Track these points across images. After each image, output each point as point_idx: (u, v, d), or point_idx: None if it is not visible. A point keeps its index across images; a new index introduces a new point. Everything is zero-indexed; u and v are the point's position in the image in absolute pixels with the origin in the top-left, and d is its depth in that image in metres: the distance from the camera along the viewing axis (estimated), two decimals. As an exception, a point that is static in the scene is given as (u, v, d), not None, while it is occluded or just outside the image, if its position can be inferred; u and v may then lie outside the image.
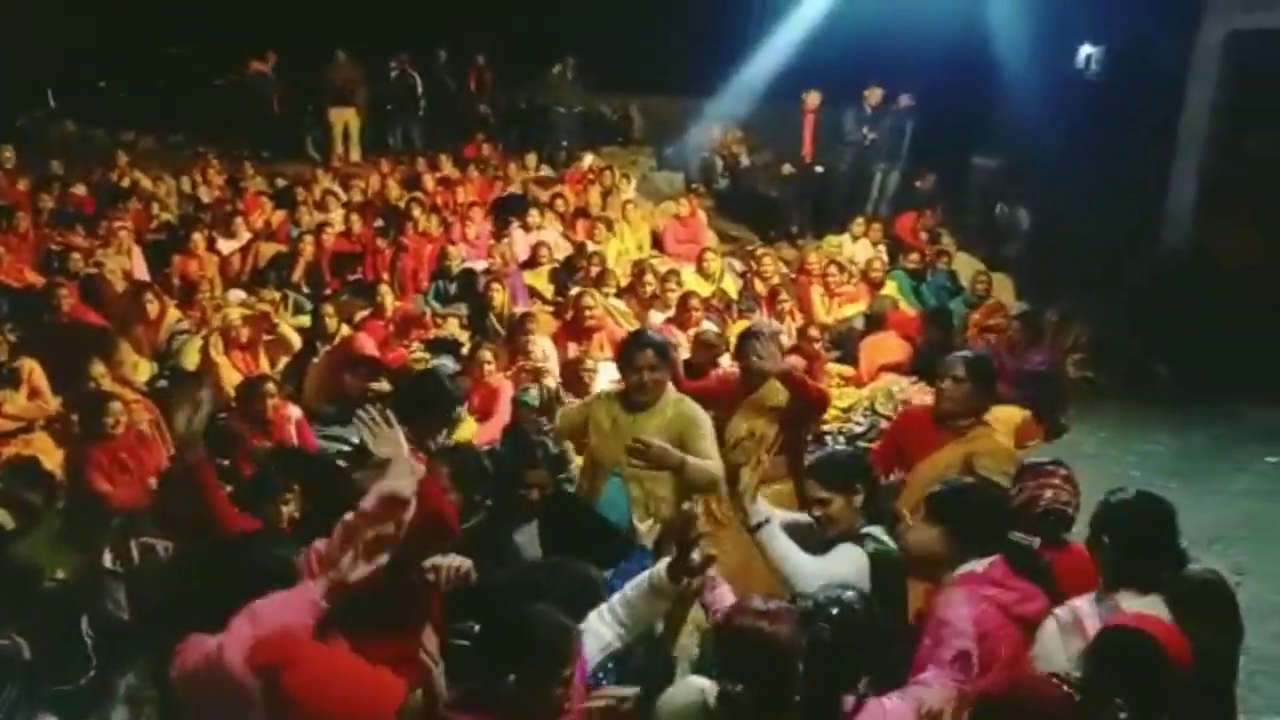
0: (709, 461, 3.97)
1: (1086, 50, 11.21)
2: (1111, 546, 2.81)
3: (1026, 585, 2.84)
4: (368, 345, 6.65)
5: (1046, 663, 2.61)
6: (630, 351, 4.13)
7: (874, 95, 11.17)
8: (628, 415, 4.09)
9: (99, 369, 5.88)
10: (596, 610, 2.70)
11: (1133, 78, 10.05)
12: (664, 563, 2.74)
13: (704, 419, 4.09)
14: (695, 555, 2.65)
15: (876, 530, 3.18)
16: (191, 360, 6.49)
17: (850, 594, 2.51)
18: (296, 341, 6.77)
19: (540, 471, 4.00)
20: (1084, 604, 2.74)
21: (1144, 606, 2.65)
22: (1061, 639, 2.65)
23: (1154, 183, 10.00)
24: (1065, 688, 2.36)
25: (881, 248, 10.01)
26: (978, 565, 2.83)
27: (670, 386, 4.15)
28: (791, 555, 3.02)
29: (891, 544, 3.13)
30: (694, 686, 2.41)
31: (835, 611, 2.42)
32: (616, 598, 2.73)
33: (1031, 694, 2.35)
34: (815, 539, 3.20)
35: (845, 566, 3.00)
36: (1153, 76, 9.96)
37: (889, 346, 7.46)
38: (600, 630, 2.65)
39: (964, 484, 3.20)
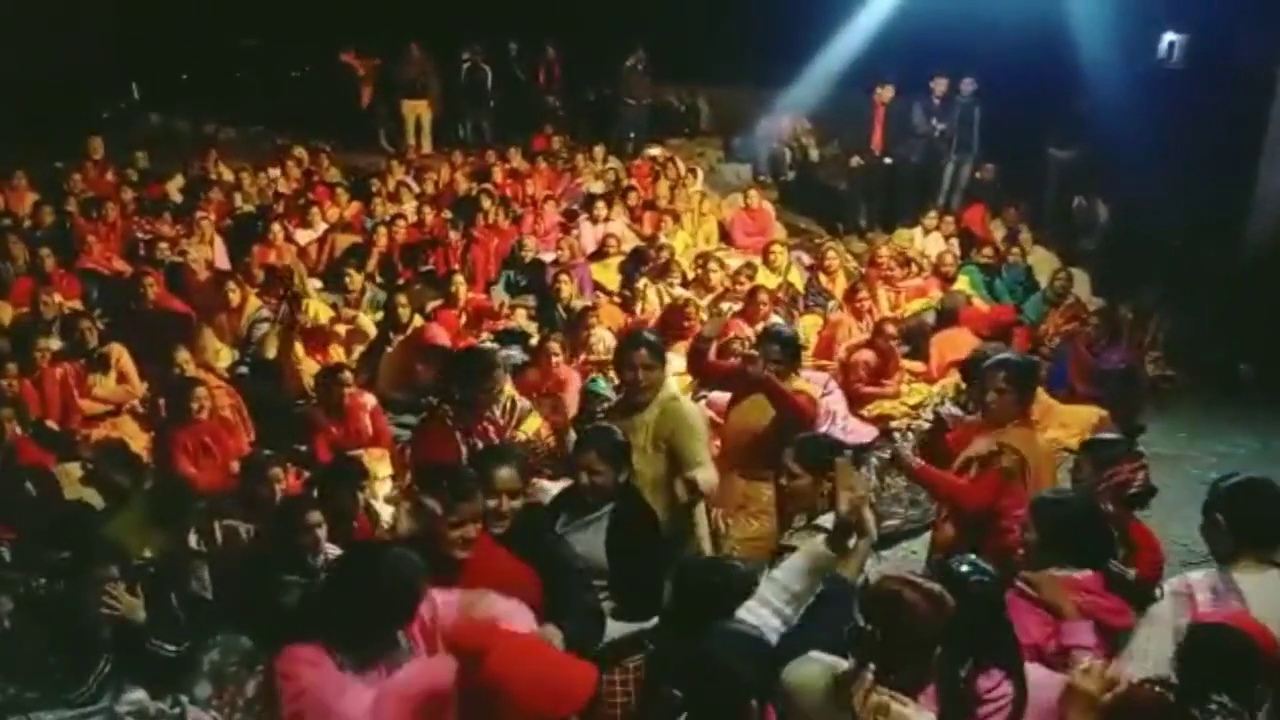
0: (698, 470, 3.92)
1: (1169, 38, 10.87)
2: (1227, 525, 2.98)
3: (1120, 601, 3.01)
4: (440, 335, 6.76)
5: (1158, 633, 2.86)
6: (625, 350, 4.13)
7: (940, 85, 10.99)
8: (624, 418, 4.04)
9: (183, 355, 6.08)
10: (747, 607, 2.65)
11: (1218, 68, 9.73)
12: (818, 541, 2.79)
13: (695, 419, 4.06)
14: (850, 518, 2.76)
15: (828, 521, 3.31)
16: (272, 350, 6.63)
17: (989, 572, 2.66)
18: (373, 333, 6.92)
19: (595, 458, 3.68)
20: (1198, 576, 2.98)
21: (1260, 582, 2.86)
22: (1173, 607, 2.89)
23: (1240, 175, 9.68)
24: (1158, 689, 2.39)
25: (954, 241, 9.84)
26: (1075, 573, 3.01)
27: (667, 384, 4.13)
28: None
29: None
30: (819, 660, 2.41)
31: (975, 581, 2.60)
32: (768, 588, 2.68)
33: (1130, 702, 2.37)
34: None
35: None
36: (1239, 67, 9.63)
37: (960, 342, 7.32)
38: (768, 622, 2.61)
39: (1065, 495, 3.40)
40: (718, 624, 2.50)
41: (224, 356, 6.87)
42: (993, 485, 3.81)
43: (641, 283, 8.08)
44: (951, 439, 4.29)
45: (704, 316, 7.07)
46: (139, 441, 5.89)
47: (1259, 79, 9.59)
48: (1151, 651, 2.88)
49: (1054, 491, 3.40)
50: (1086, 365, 6.98)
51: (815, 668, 2.37)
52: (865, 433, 6.31)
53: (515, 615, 2.81)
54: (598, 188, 11.08)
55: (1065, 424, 6.36)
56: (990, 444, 3.87)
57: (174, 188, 10.19)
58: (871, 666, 2.27)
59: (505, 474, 3.37)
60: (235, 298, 7.26)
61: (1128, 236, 10.03)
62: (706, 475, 3.96)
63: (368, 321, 7.01)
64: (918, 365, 7.39)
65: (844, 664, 2.33)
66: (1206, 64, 10.09)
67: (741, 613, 2.60)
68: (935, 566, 2.84)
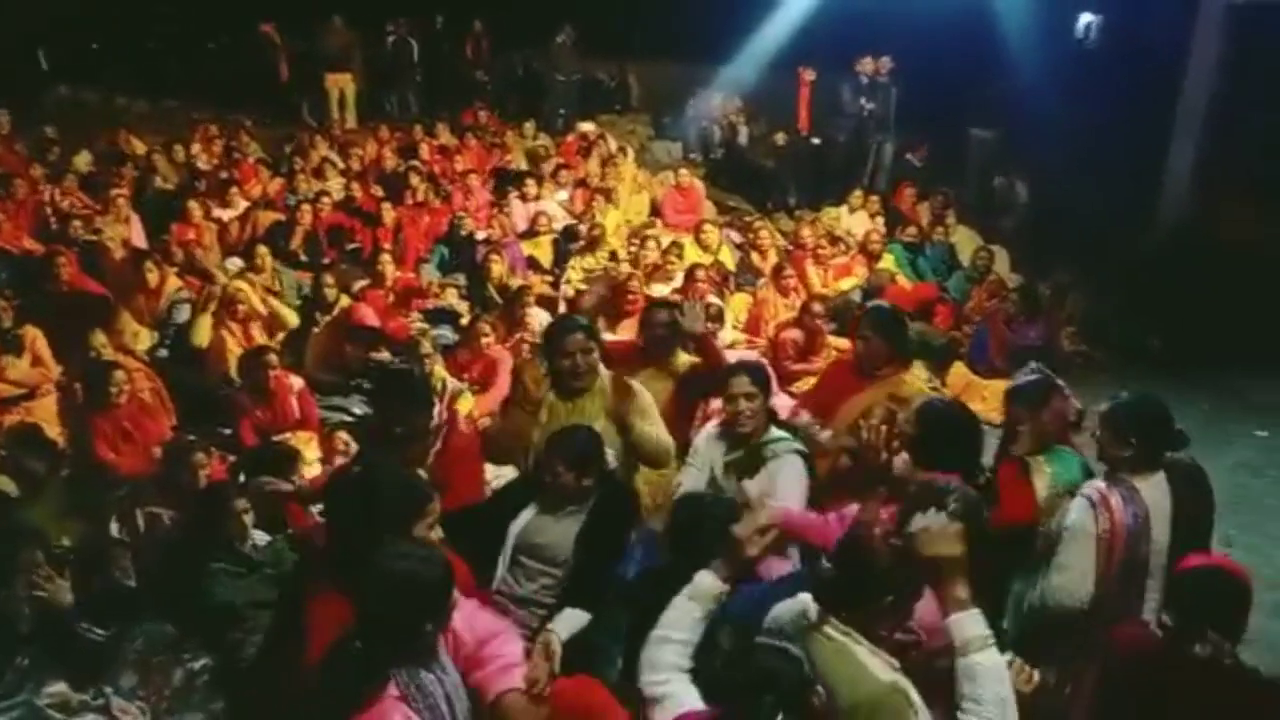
0: (661, 439, 3.92)
1: (1086, 19, 11.17)
2: (1129, 438, 3.30)
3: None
4: (368, 315, 6.67)
5: (1081, 544, 3.19)
6: (560, 335, 3.96)
7: (866, 65, 11.15)
8: (565, 402, 3.90)
9: (100, 338, 5.90)
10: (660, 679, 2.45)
11: (1132, 48, 10.02)
12: (702, 579, 2.57)
13: (644, 392, 3.98)
14: None
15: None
16: (203, 338, 6.41)
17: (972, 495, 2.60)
18: (291, 319, 6.77)
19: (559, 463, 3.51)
20: (1103, 485, 3.28)
21: (1152, 483, 3.26)
22: (1093, 517, 3.21)
23: (1152, 155, 10.00)
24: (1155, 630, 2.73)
25: (879, 220, 10.01)
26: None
27: (601, 366, 4.00)
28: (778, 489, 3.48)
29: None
30: (800, 600, 2.44)
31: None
32: (670, 652, 2.47)
33: (1132, 642, 2.69)
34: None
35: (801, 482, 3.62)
36: (1152, 47, 9.92)
37: (885, 320, 7.48)
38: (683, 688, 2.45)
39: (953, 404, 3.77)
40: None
41: (143, 339, 6.68)
42: None
43: (571, 262, 8.08)
44: (828, 389, 4.38)
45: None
46: (54, 426, 5.72)
47: (1170, 61, 9.89)
48: (1074, 563, 3.19)
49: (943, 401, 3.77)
50: (1005, 341, 7.17)
51: (793, 605, 2.42)
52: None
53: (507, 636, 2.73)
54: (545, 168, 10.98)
55: (985, 398, 6.54)
56: (883, 395, 4.06)
57: (83, 163, 9.83)
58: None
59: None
60: (154, 278, 7.05)
61: (1045, 215, 10.30)
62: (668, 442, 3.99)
63: (288, 312, 6.84)
64: (844, 343, 7.50)
65: (808, 601, 2.39)
66: (1121, 45, 10.39)
67: (658, 689, 2.39)
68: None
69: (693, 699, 2.31)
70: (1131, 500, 3.23)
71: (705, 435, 4.04)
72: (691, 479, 3.92)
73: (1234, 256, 8.81)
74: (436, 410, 4.03)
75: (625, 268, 8.05)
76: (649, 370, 4.40)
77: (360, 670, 2.26)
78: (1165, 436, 3.36)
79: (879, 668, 2.24)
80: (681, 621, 2.45)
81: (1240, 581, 2.77)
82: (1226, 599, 2.74)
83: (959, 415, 3.46)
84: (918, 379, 4.47)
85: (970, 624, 2.24)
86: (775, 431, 3.86)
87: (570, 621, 3.14)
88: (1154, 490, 3.27)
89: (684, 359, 4.49)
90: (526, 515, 3.47)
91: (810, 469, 3.80)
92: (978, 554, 2.36)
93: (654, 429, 3.93)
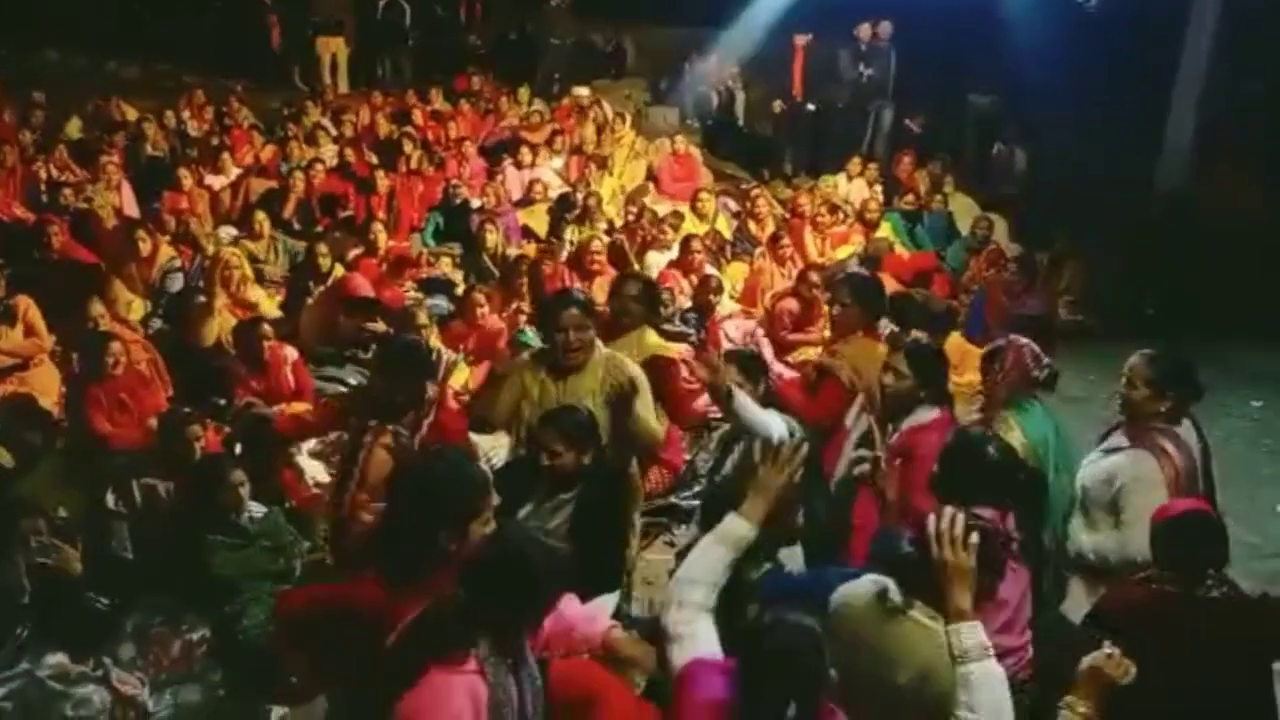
0: (654, 424, 3.82)
1: (1087, -18, 11.04)
2: (1166, 391, 3.52)
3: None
4: (363, 285, 6.61)
5: (1150, 482, 3.37)
6: (555, 310, 3.85)
7: (864, 31, 11.04)
8: (556, 382, 3.79)
9: (98, 308, 5.84)
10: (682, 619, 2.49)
11: (1132, 14, 9.91)
12: (730, 522, 2.60)
13: (640, 375, 3.81)
14: None
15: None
16: (210, 337, 6.14)
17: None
18: (270, 308, 6.67)
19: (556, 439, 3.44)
20: (1153, 434, 3.48)
21: (1186, 429, 3.56)
22: (1159, 466, 3.40)
23: (1151, 122, 9.94)
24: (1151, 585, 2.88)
25: (878, 188, 9.95)
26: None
27: (599, 343, 3.88)
28: (759, 411, 3.48)
29: None
30: (877, 582, 2.44)
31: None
32: (693, 591, 2.51)
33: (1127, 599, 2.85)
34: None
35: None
36: (1152, 13, 9.82)
37: (882, 289, 7.46)
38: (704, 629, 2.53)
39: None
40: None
41: (135, 308, 6.64)
42: (830, 395, 4.13)
43: (566, 231, 8.04)
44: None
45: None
46: (51, 396, 5.70)
47: (1170, 28, 9.80)
48: (1147, 514, 3.10)
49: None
50: (1003, 311, 7.14)
51: (865, 584, 2.43)
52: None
53: (597, 615, 2.74)
54: (537, 137, 10.87)
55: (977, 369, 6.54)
56: (825, 354, 4.26)
57: (73, 129, 9.72)
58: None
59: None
60: (146, 247, 6.98)
61: (1044, 183, 10.24)
62: (658, 429, 3.94)
63: (268, 302, 6.76)
64: (842, 312, 7.50)
65: (890, 583, 2.39)
66: (1121, 11, 10.27)
67: (683, 627, 2.40)
68: None
69: (712, 643, 2.34)
70: (1180, 446, 3.47)
71: None
72: None
73: (1230, 225, 8.80)
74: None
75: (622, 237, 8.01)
76: (614, 345, 4.23)
77: (444, 641, 2.23)
78: (1196, 389, 3.63)
79: None
80: (709, 564, 2.48)
81: (1218, 520, 3.01)
82: (1220, 539, 2.92)
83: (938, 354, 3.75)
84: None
85: (969, 634, 2.26)
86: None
87: (605, 608, 3.06)
88: (1189, 435, 3.57)
89: (653, 339, 4.31)
90: (528, 508, 3.40)
91: None
92: None
93: (648, 414, 3.82)
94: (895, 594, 2.35)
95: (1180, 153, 9.82)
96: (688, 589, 2.44)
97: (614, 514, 3.54)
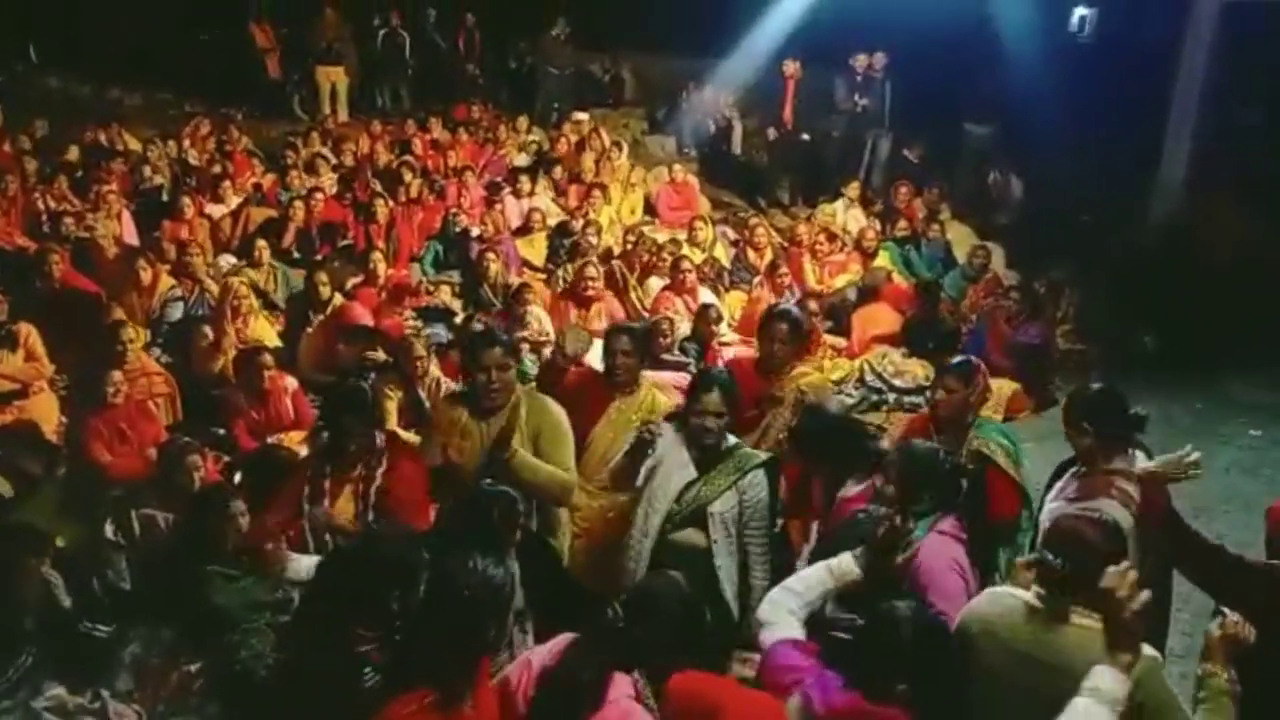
0: (561, 473, 3.71)
1: (1081, 12, 11.15)
2: (1083, 424, 3.44)
3: None
4: (361, 314, 6.64)
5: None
6: (477, 349, 3.74)
7: (861, 61, 11.13)
8: (478, 422, 3.74)
9: (130, 333, 5.84)
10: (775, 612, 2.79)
11: (1127, 43, 10.02)
12: (845, 559, 2.86)
13: (562, 421, 3.78)
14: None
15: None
16: (216, 369, 6.23)
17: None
18: (270, 338, 6.67)
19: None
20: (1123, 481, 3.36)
21: (1140, 460, 3.39)
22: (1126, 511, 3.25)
23: (1147, 150, 10.01)
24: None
25: (874, 218, 10.00)
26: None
27: (517, 383, 3.83)
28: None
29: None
30: (1008, 593, 2.65)
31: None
32: (786, 598, 2.82)
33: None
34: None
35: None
36: (1147, 42, 9.93)
37: (881, 318, 7.50)
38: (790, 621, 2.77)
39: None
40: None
41: (137, 338, 6.64)
42: None
43: (560, 267, 8.06)
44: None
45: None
46: (51, 425, 5.70)
47: (1165, 55, 9.89)
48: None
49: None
50: (1004, 339, 7.18)
51: (1010, 600, 2.58)
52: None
53: None
54: (521, 161, 10.97)
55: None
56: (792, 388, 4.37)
57: (74, 158, 9.76)
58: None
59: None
60: (146, 276, 7.00)
61: (1040, 211, 10.30)
62: (571, 478, 3.80)
63: (269, 331, 6.78)
64: (840, 341, 7.53)
65: (1026, 595, 2.56)
66: (1115, 39, 10.38)
67: (772, 616, 2.74)
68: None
69: (795, 631, 2.68)
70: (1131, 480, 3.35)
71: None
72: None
73: (1226, 254, 8.84)
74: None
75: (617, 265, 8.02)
76: (619, 401, 4.27)
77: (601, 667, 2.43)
78: (1119, 420, 3.47)
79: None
80: (812, 584, 2.80)
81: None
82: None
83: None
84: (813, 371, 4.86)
85: (1112, 679, 2.23)
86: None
87: None
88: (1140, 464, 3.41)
89: (662, 401, 4.29)
90: None
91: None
92: None
93: (569, 458, 3.76)
94: (1035, 601, 2.50)
95: (1176, 178, 9.90)
96: (782, 593, 2.80)
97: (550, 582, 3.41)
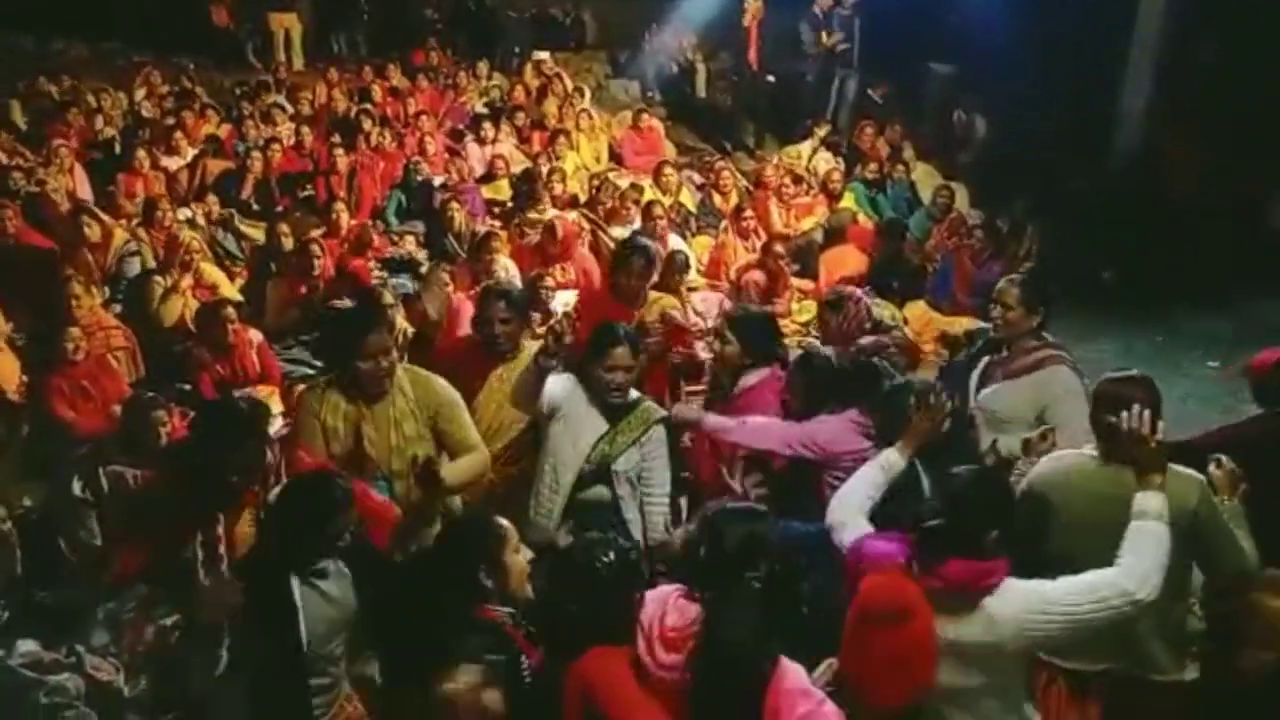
0: (473, 454, 3.55)
1: (1044, -51, 11.08)
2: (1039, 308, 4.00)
3: None
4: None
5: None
6: (358, 332, 3.42)
7: (828, 1, 11.02)
8: (359, 408, 3.44)
9: (77, 287, 5.73)
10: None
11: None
12: (889, 453, 3.18)
13: (456, 396, 3.58)
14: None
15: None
16: (172, 317, 6.17)
17: None
18: (226, 286, 6.59)
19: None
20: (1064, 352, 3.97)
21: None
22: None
23: (1107, 87, 10.04)
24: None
25: (840, 159, 9.98)
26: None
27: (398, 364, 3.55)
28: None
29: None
30: (1060, 454, 3.15)
31: None
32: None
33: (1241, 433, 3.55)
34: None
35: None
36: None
37: (848, 260, 7.53)
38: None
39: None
40: None
41: (93, 293, 6.52)
42: None
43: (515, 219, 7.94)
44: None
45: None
46: (12, 384, 5.61)
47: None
48: (1073, 416, 3.53)
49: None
50: (969, 277, 7.25)
51: (1070, 458, 3.09)
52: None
53: None
54: (482, 107, 10.80)
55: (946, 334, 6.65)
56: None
57: (15, 112, 9.48)
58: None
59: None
60: (94, 232, 6.78)
61: (1004, 150, 10.33)
62: (482, 457, 3.61)
63: (223, 278, 6.67)
64: (807, 283, 7.56)
65: (1085, 450, 3.05)
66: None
67: (845, 516, 2.99)
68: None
69: (866, 528, 2.91)
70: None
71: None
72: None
73: (1185, 190, 8.94)
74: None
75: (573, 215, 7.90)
76: (500, 369, 4.02)
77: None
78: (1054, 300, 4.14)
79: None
80: (870, 482, 3.09)
81: None
82: None
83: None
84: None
85: (1154, 498, 2.66)
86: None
87: None
88: None
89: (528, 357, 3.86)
90: None
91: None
92: None
93: (471, 433, 3.57)
94: (1108, 452, 2.95)
95: (1135, 116, 9.94)
96: (848, 493, 3.08)
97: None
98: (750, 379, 3.99)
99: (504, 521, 2.75)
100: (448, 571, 2.66)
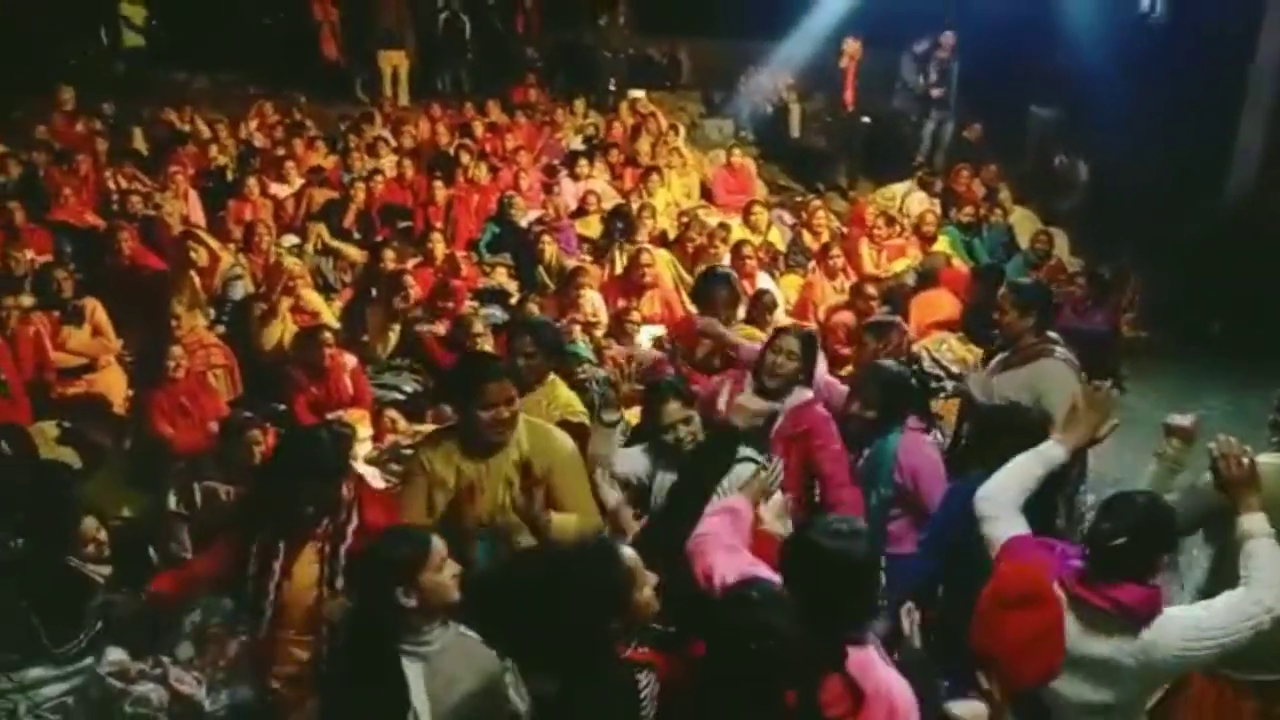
0: (590, 520, 3.28)
1: (1152, -8, 10.83)
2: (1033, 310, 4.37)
3: None
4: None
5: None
6: (480, 380, 3.20)
7: (927, 43, 10.92)
8: (475, 462, 3.24)
9: (179, 307, 5.98)
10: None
11: (1200, 24, 9.69)
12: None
13: (575, 454, 3.35)
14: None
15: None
16: (272, 338, 6.32)
17: None
18: (326, 312, 6.76)
19: None
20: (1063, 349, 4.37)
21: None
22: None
23: (1220, 134, 9.69)
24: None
25: (936, 201, 9.82)
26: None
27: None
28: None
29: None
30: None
31: None
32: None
33: None
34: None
35: None
36: (1221, 23, 9.59)
37: (940, 304, 7.36)
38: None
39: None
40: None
41: (195, 314, 6.78)
42: None
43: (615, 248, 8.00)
44: None
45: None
46: (118, 399, 5.85)
47: (1239, 35, 9.55)
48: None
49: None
50: (1068, 326, 7.01)
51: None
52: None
53: None
54: (577, 144, 10.96)
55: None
56: None
57: (138, 140, 9.98)
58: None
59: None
60: (199, 256, 7.00)
61: (1107, 196, 10.03)
62: (587, 520, 3.29)
63: (323, 304, 6.86)
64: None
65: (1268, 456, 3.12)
66: (1188, 19, 10.05)
67: (995, 510, 2.94)
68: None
69: (1022, 526, 2.86)
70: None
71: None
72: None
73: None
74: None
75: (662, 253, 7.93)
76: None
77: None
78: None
79: None
80: (1023, 472, 2.98)
81: None
82: None
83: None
84: None
85: (1255, 521, 2.73)
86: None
87: None
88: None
89: (565, 395, 3.84)
90: None
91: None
92: None
93: (584, 493, 3.33)
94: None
95: (1250, 163, 9.56)
96: (1000, 490, 2.96)
97: None
98: (801, 396, 3.92)
99: (630, 552, 2.39)
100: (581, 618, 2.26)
